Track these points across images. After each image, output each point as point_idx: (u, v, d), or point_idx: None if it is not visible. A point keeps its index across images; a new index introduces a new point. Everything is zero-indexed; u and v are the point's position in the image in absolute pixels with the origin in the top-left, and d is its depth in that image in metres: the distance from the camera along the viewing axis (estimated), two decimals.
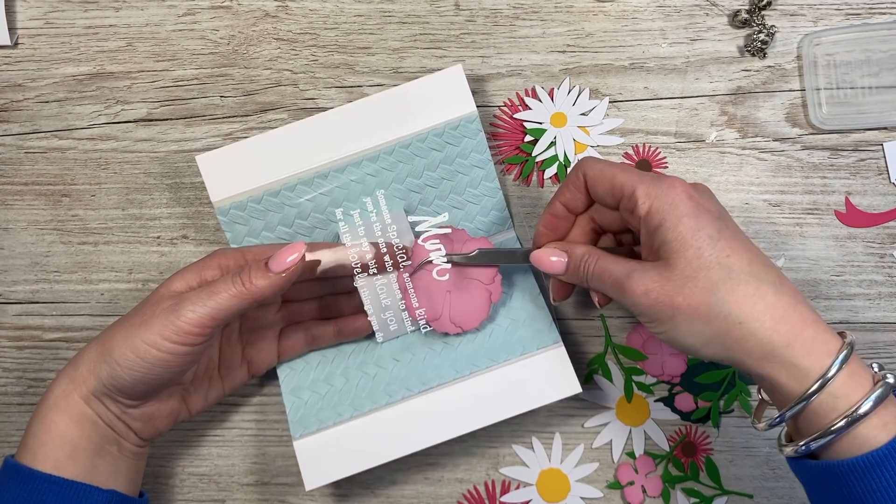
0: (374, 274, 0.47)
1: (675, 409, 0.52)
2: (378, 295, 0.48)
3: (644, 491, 0.52)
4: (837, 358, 0.37)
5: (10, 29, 0.53)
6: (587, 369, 0.52)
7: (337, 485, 0.53)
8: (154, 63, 0.53)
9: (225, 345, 0.48)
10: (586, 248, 0.44)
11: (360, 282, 0.47)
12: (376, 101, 0.49)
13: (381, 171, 0.49)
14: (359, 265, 0.47)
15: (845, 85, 0.51)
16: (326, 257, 0.46)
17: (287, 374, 0.50)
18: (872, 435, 0.37)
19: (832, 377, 0.37)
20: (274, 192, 0.49)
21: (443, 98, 0.49)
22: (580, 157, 0.51)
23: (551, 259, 0.44)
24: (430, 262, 0.47)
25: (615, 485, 0.52)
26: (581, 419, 0.52)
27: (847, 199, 0.51)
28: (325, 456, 0.47)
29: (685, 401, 0.52)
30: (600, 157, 0.51)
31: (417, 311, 0.47)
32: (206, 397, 0.48)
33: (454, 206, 0.50)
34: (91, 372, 0.43)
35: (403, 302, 0.48)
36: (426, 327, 0.48)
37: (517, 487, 0.52)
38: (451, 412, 0.47)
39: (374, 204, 0.48)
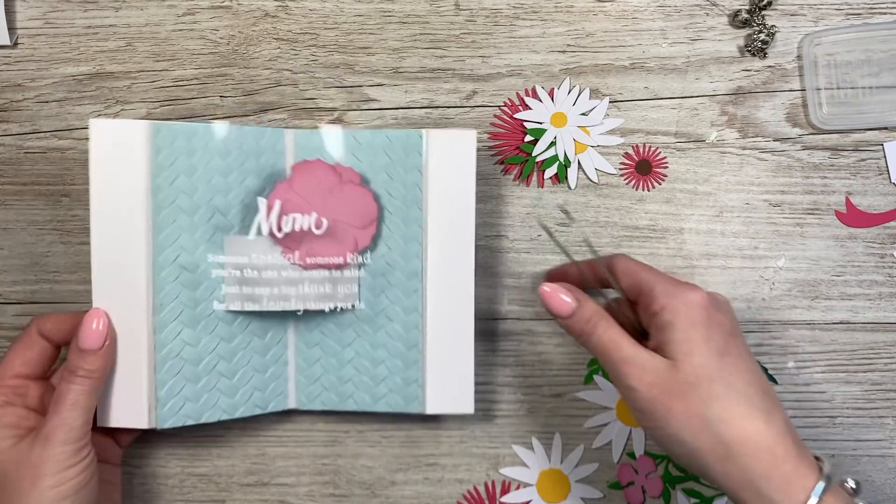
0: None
1: None
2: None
3: (644, 491, 0.52)
4: (811, 496, 0.38)
5: (9, 29, 0.53)
6: (587, 369, 0.52)
7: (336, 485, 0.53)
8: (154, 63, 0.53)
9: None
10: (600, 310, 0.43)
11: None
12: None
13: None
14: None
15: (846, 85, 0.51)
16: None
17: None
18: None
19: None
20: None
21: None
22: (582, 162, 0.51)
23: (562, 297, 0.43)
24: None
25: (615, 485, 0.52)
26: (581, 419, 0.52)
27: (847, 199, 0.51)
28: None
29: None
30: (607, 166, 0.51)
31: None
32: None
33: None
34: None
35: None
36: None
37: (517, 488, 0.52)
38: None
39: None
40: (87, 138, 0.53)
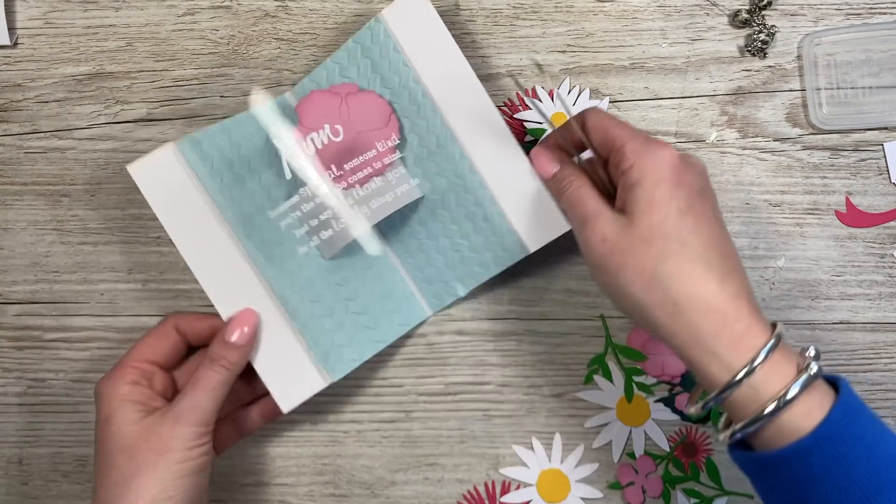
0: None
1: (675, 410, 0.52)
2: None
3: (644, 491, 0.52)
4: (761, 351, 0.38)
5: (9, 29, 0.53)
6: (587, 369, 0.52)
7: (336, 485, 0.53)
8: (154, 63, 0.53)
9: None
10: (576, 171, 0.44)
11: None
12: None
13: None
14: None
15: (846, 85, 0.51)
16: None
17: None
18: (797, 424, 0.37)
19: (753, 370, 0.37)
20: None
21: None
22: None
23: (548, 161, 0.45)
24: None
25: (615, 485, 0.52)
26: (581, 419, 0.52)
27: (847, 199, 0.51)
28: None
29: (685, 401, 0.52)
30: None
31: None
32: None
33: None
34: None
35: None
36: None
37: (517, 488, 0.52)
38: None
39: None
40: (87, 138, 0.53)
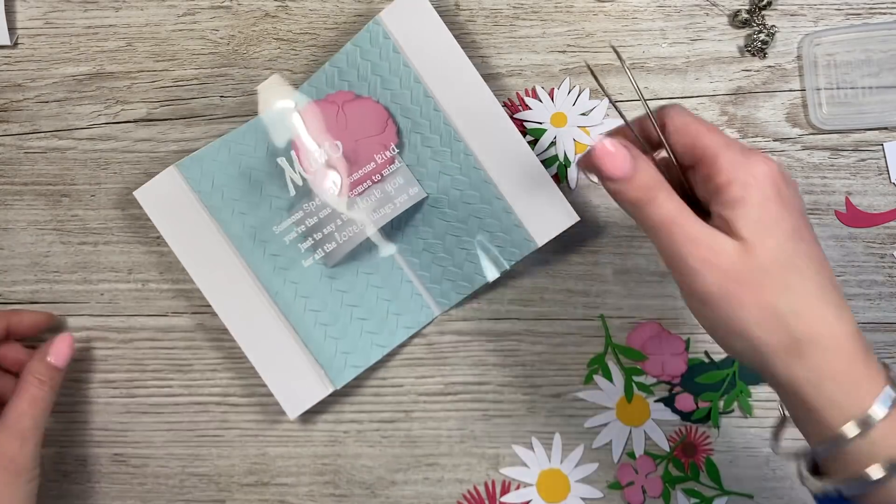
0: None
1: (675, 410, 0.52)
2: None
3: (644, 491, 0.52)
4: (879, 398, 0.34)
5: (9, 29, 0.53)
6: (587, 369, 0.52)
7: (336, 485, 0.53)
8: (154, 63, 0.53)
9: None
10: (660, 178, 0.36)
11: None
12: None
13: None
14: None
15: (845, 85, 0.51)
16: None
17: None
18: None
19: (876, 422, 0.34)
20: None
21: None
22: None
23: (624, 159, 0.36)
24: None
25: (615, 485, 0.52)
26: (581, 419, 0.52)
27: (847, 199, 0.51)
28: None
29: (685, 401, 0.52)
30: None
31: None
32: None
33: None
34: None
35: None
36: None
37: (517, 488, 0.52)
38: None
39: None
40: (87, 138, 0.53)
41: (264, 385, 0.53)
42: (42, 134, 0.54)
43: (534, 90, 0.52)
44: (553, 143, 0.52)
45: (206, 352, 0.53)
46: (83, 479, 0.54)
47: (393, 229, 0.51)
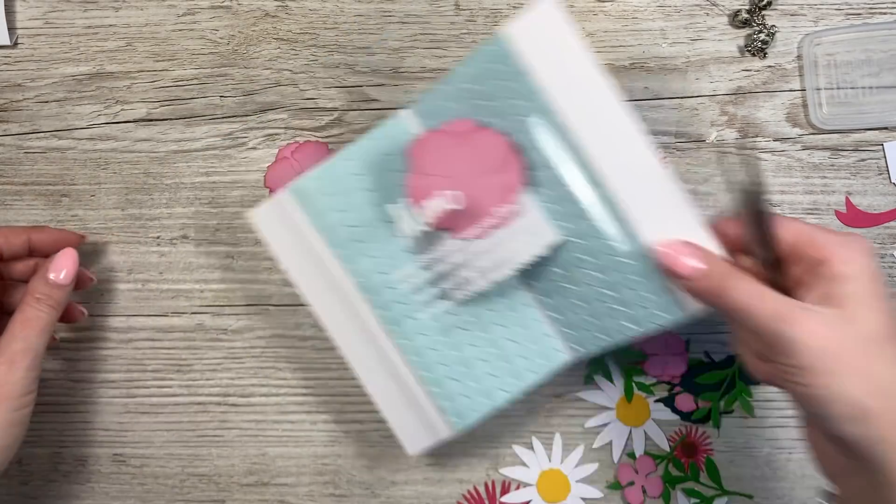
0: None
1: (675, 410, 0.52)
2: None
3: (644, 491, 0.52)
4: None
5: (9, 29, 0.53)
6: (587, 369, 0.52)
7: (336, 485, 0.53)
8: (154, 63, 0.53)
9: None
10: (733, 268, 0.38)
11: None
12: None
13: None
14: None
15: (846, 85, 0.51)
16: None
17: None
18: None
19: None
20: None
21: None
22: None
23: (685, 258, 0.38)
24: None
25: (615, 485, 0.52)
26: (581, 419, 0.52)
27: (847, 199, 0.51)
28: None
29: (685, 401, 0.52)
30: None
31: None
32: None
33: None
34: None
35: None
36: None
37: (517, 488, 0.52)
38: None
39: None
40: (86, 138, 0.53)
41: (264, 385, 0.53)
42: (42, 134, 0.54)
43: None
44: None
45: (205, 352, 0.53)
46: (83, 479, 0.54)
47: (524, 269, 0.44)
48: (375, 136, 0.45)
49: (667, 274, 0.40)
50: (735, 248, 0.41)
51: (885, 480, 0.35)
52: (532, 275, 0.45)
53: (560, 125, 0.42)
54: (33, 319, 0.44)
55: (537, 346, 0.46)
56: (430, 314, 0.46)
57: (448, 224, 0.43)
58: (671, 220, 0.41)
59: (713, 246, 0.40)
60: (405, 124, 0.45)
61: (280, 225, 0.46)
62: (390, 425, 0.46)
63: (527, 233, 0.43)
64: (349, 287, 0.46)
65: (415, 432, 0.46)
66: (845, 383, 0.35)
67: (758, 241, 0.38)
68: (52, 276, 0.45)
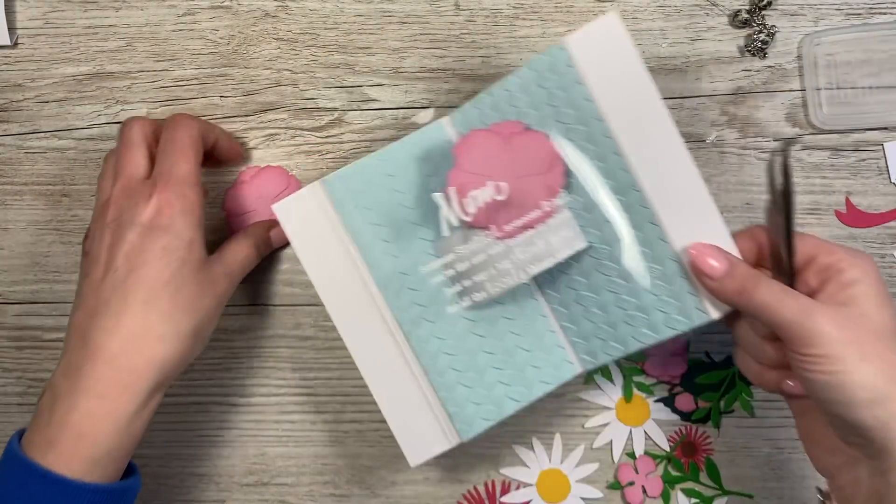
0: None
1: (675, 410, 0.52)
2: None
3: (644, 491, 0.52)
4: None
5: (9, 29, 0.53)
6: None
7: (336, 485, 0.53)
8: (154, 63, 0.53)
9: None
10: (757, 271, 0.41)
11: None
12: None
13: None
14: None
15: (846, 85, 0.51)
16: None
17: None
18: None
19: None
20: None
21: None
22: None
23: (714, 260, 0.41)
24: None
25: (615, 485, 0.52)
26: (581, 419, 0.52)
27: (847, 199, 0.51)
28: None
29: (685, 401, 0.52)
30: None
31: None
32: None
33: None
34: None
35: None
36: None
37: (517, 488, 0.52)
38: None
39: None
40: (87, 138, 0.53)
41: (264, 385, 0.53)
42: (42, 134, 0.54)
43: None
44: None
45: (206, 352, 0.53)
46: None
47: (543, 275, 0.45)
48: (412, 141, 0.45)
49: (696, 274, 0.42)
50: (749, 262, 0.43)
51: (892, 464, 0.37)
52: (549, 284, 0.45)
53: (607, 133, 0.43)
54: (251, 257, 0.49)
55: (549, 356, 0.46)
56: (447, 318, 0.46)
57: (486, 220, 0.44)
58: (701, 227, 0.42)
59: (736, 252, 0.42)
60: (444, 131, 0.45)
61: (306, 217, 0.46)
62: (394, 433, 0.46)
63: (564, 230, 0.44)
64: (369, 284, 0.46)
65: (418, 442, 0.46)
66: (866, 369, 0.37)
67: (782, 244, 0.41)
68: (273, 236, 0.51)
